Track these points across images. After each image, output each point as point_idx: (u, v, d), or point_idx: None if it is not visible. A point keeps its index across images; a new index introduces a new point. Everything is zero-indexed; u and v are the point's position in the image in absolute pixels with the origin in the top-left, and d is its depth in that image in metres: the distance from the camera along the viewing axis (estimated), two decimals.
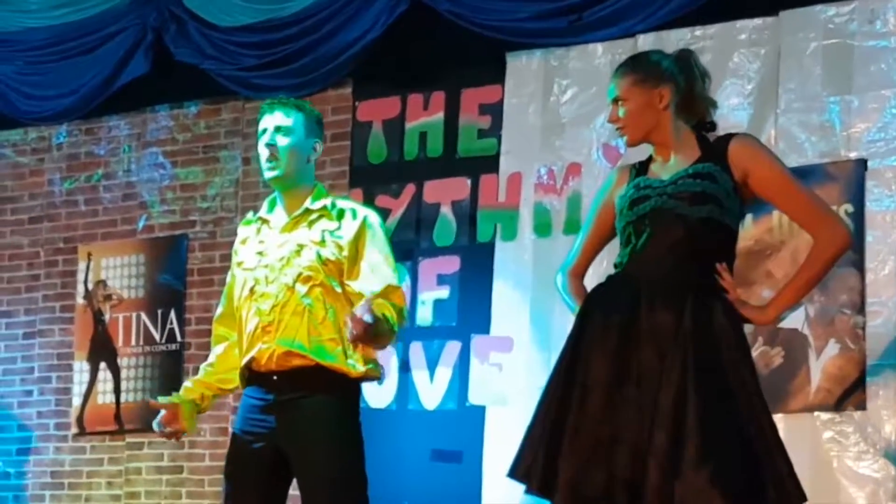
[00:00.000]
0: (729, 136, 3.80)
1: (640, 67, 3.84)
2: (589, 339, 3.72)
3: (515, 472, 3.75)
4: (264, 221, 4.32)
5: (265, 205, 4.37)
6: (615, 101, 3.85)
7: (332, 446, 4.09)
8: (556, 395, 3.71)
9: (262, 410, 4.15)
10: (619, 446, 3.57)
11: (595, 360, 3.67)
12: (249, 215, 4.45)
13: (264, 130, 4.32)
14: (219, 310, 4.43)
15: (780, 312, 3.81)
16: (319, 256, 4.16)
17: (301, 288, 4.14)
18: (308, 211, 4.25)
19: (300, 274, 4.16)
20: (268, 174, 4.26)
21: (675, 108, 3.81)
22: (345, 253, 4.18)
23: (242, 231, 4.40)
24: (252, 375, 4.21)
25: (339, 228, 4.21)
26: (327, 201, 4.27)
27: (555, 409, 3.68)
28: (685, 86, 3.82)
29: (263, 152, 4.29)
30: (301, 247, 4.19)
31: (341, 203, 4.31)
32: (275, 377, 4.13)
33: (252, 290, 4.21)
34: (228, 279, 4.42)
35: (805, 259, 3.75)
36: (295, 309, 4.13)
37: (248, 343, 4.20)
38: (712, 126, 3.89)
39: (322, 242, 4.19)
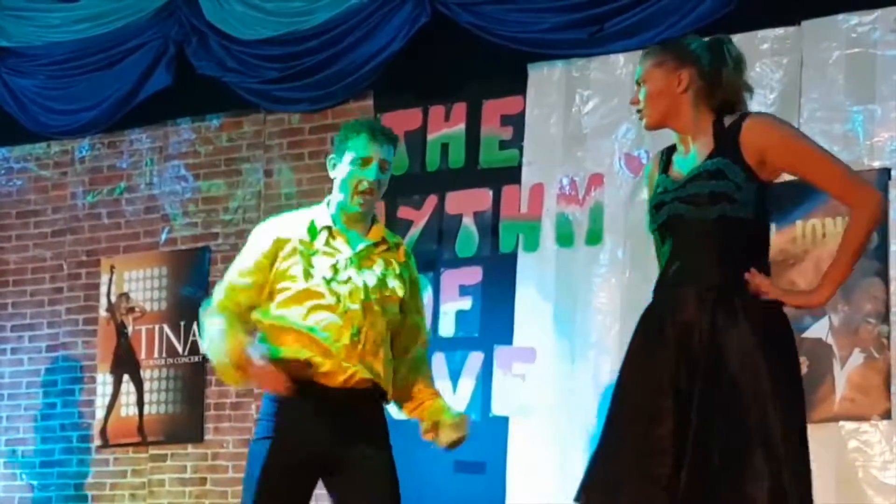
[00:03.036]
0: (742, 118, 3.70)
1: (664, 49, 3.79)
2: (630, 353, 3.70)
3: None
4: (331, 235, 4.21)
5: (325, 217, 4.22)
6: (637, 83, 3.82)
7: (385, 459, 4.16)
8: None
9: (319, 420, 4.10)
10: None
11: (634, 374, 3.65)
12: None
13: (366, 159, 4.17)
14: (246, 280, 4.18)
15: (834, 290, 3.68)
16: (396, 290, 4.20)
17: (383, 318, 4.17)
18: (385, 241, 4.26)
19: (384, 304, 4.17)
20: (360, 207, 4.17)
21: (696, 93, 3.71)
22: (407, 290, 4.23)
23: (299, 227, 4.22)
24: (317, 386, 4.10)
25: (405, 266, 4.27)
26: (387, 234, 4.32)
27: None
28: (710, 70, 3.73)
29: (362, 184, 4.15)
30: (385, 277, 4.19)
31: (393, 237, 4.37)
32: (341, 393, 4.11)
33: (338, 302, 4.13)
34: (282, 263, 4.18)
35: (845, 231, 3.62)
36: (376, 338, 4.14)
37: (321, 354, 4.08)
38: (741, 116, 3.78)
39: (400, 277, 4.22)
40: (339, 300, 4.09)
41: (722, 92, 3.74)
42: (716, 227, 3.61)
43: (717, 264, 3.60)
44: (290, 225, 4.23)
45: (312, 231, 4.18)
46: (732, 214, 3.61)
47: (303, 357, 4.06)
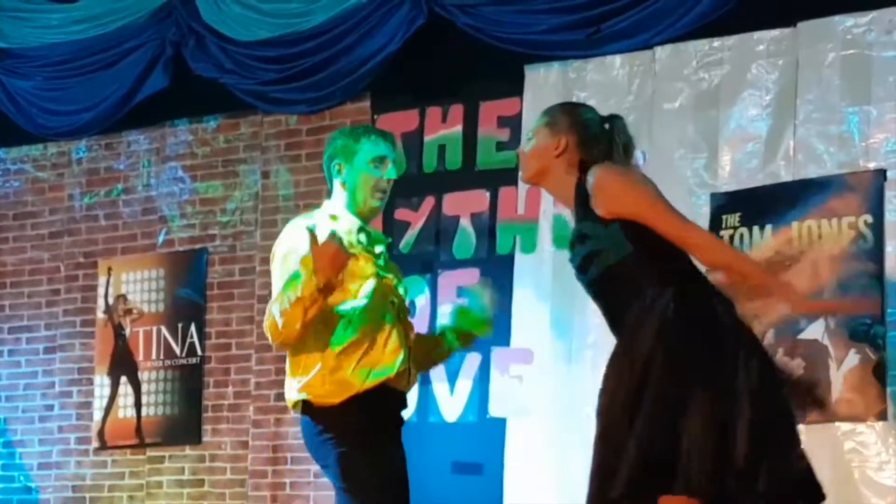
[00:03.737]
0: (587, 170, 3.76)
1: (557, 111, 3.90)
2: None
3: None
4: (364, 233, 4.24)
5: (352, 219, 4.22)
6: (529, 136, 3.93)
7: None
8: None
9: (391, 423, 4.19)
10: None
11: None
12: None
13: (382, 158, 4.24)
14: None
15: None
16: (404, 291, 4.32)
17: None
18: (389, 246, 4.37)
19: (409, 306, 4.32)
20: (381, 204, 4.25)
21: (569, 160, 3.81)
22: None
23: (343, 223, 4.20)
24: (384, 388, 4.13)
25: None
26: None
27: None
28: (588, 141, 3.82)
29: (381, 183, 4.22)
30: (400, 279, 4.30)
31: None
32: (400, 395, 4.20)
33: (392, 303, 4.20)
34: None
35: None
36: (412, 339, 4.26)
37: (387, 358, 4.12)
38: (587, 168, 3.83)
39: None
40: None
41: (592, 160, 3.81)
42: (603, 282, 3.73)
43: (613, 310, 3.74)
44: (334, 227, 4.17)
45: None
46: (610, 263, 3.70)
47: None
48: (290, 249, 4.13)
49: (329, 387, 4.05)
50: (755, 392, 3.54)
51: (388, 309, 4.15)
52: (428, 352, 4.38)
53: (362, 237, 4.18)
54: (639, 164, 5.98)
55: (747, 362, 3.57)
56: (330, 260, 3.92)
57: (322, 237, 3.95)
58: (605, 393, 3.67)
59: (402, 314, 4.23)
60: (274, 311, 4.00)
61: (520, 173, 3.95)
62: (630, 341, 3.64)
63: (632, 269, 3.68)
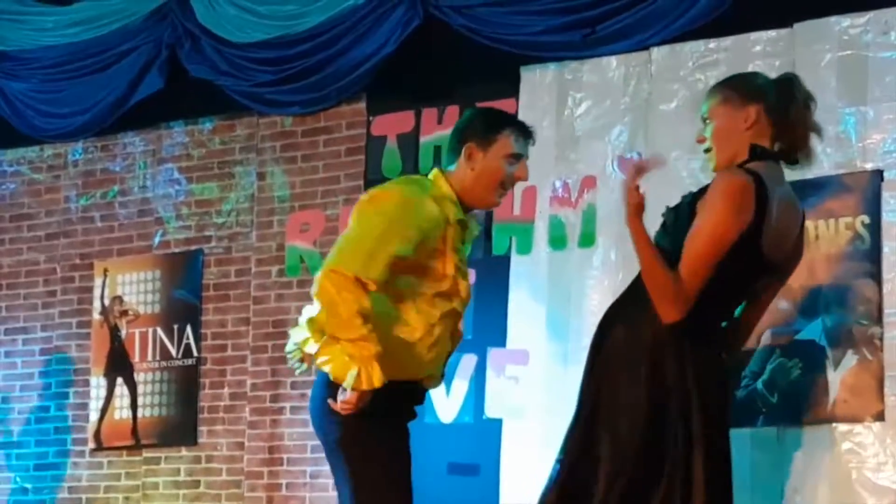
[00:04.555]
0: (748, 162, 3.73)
1: (729, 85, 3.80)
2: None
3: None
4: (461, 226, 4.10)
5: (455, 209, 4.07)
6: (703, 119, 3.81)
7: None
8: None
9: (405, 415, 4.14)
10: None
11: None
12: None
13: (518, 157, 4.09)
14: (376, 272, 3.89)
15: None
16: None
17: None
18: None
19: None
20: (497, 203, 4.16)
21: (758, 132, 3.72)
22: None
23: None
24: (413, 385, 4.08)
25: None
26: None
27: None
28: (777, 107, 3.73)
29: (507, 183, 4.10)
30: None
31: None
32: (423, 390, 4.16)
33: (455, 311, 4.11)
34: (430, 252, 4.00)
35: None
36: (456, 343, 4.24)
37: (428, 364, 4.06)
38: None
39: None
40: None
41: (787, 136, 3.72)
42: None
43: None
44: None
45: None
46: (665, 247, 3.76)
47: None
48: (384, 215, 3.90)
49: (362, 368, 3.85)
50: None
51: (448, 316, 4.04)
52: None
53: (454, 232, 4.01)
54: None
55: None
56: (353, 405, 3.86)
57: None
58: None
59: (458, 320, 4.13)
60: (333, 293, 3.80)
61: (710, 163, 3.79)
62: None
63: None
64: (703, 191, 3.77)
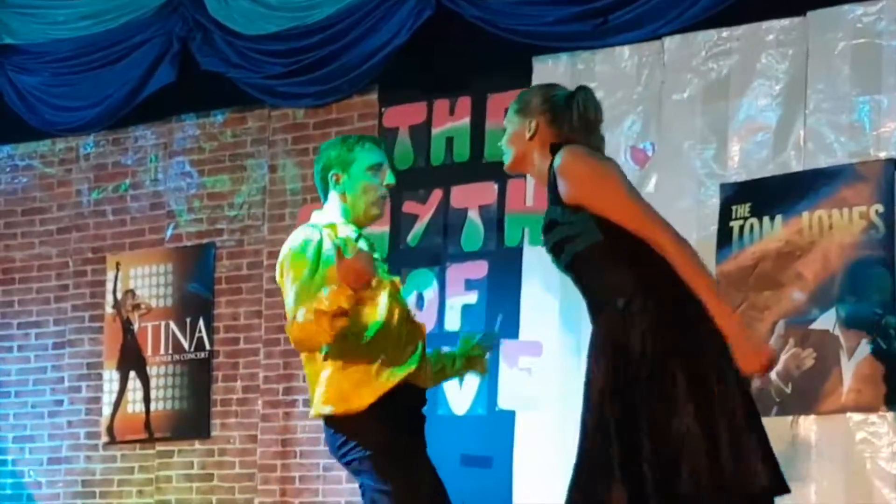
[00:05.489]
0: (555, 152, 3.70)
1: (523, 96, 3.87)
2: None
3: None
4: (364, 240, 4.28)
5: (350, 229, 4.24)
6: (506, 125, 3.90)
7: None
8: None
9: (413, 421, 4.21)
10: None
11: None
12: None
13: (381, 165, 4.27)
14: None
15: (751, 340, 3.59)
16: None
17: None
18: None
19: None
20: (379, 213, 4.31)
21: (542, 141, 3.76)
22: None
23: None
24: (404, 386, 4.13)
25: None
26: None
27: None
28: (557, 117, 3.76)
29: (381, 190, 4.26)
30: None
31: None
32: (419, 392, 4.22)
33: (400, 304, 4.23)
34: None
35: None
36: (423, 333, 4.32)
37: (406, 356, 4.16)
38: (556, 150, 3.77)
39: None
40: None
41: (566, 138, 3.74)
42: (574, 268, 3.70)
43: (591, 292, 3.71)
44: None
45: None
46: (579, 250, 3.65)
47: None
48: (299, 257, 4.08)
49: (352, 394, 4.03)
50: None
51: (399, 312, 4.15)
52: (436, 370, 4.39)
53: (363, 244, 4.19)
54: (649, 155, 5.99)
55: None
56: (356, 275, 3.92)
57: (352, 252, 3.99)
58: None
59: (409, 313, 4.23)
60: (298, 316, 3.99)
61: (504, 165, 3.93)
62: (605, 341, 3.62)
63: (602, 257, 3.62)
64: (554, 194, 3.72)
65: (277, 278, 4.20)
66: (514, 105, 3.87)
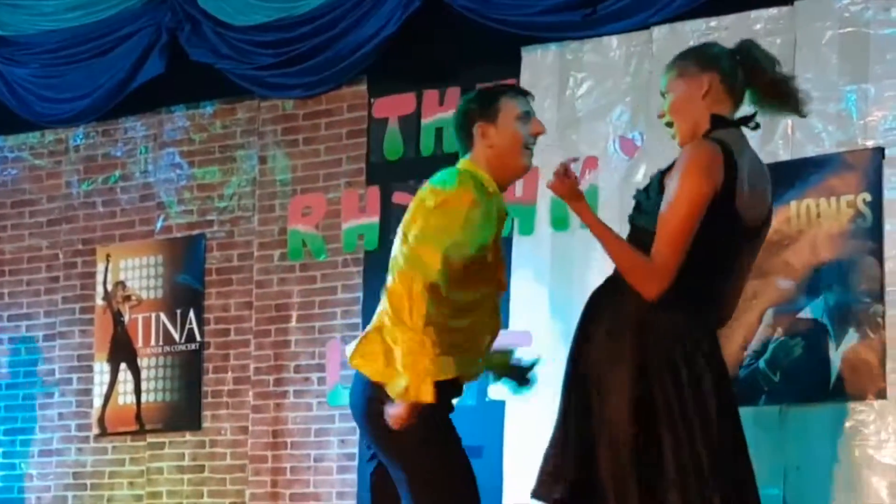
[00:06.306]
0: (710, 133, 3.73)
1: (684, 57, 3.80)
2: None
3: None
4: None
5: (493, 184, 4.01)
6: (662, 94, 3.83)
7: None
8: None
9: (449, 411, 4.09)
10: None
11: None
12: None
13: (527, 115, 4.05)
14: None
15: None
16: None
17: None
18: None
19: None
20: (529, 164, 4.09)
21: (714, 100, 3.73)
22: None
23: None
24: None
25: None
26: None
27: None
28: (731, 73, 3.73)
29: (530, 141, 4.05)
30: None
31: None
32: (461, 384, 4.08)
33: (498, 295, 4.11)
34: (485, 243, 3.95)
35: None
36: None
37: (479, 352, 4.05)
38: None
39: None
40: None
41: (769, 96, 3.73)
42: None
43: None
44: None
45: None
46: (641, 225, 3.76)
47: None
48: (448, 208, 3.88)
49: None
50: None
51: (493, 304, 4.03)
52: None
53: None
54: (638, 146, 5.99)
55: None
56: (397, 421, 3.78)
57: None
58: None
59: (495, 306, 4.09)
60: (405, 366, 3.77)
61: (674, 139, 3.81)
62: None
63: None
64: (670, 167, 3.76)
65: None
66: (670, 72, 3.78)
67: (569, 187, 3.73)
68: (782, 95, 3.80)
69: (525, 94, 4.09)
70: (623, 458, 3.62)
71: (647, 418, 3.59)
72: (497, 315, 4.15)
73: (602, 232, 3.74)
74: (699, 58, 3.78)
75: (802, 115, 3.87)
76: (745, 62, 3.78)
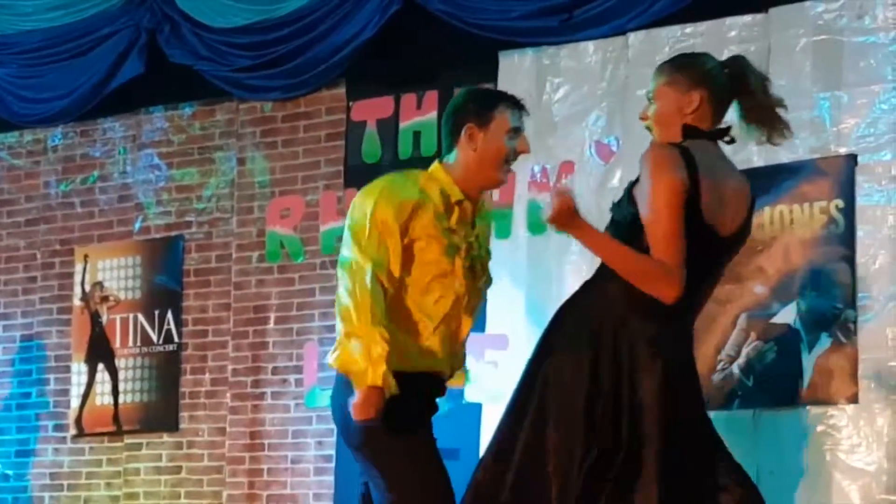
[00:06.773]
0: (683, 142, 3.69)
1: (677, 67, 3.73)
2: None
3: None
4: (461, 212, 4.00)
5: (456, 190, 3.97)
6: (648, 98, 3.75)
7: None
8: None
9: (426, 408, 4.07)
10: None
11: None
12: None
13: (517, 132, 3.99)
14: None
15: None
16: None
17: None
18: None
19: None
20: (504, 181, 4.06)
21: (700, 117, 3.68)
22: None
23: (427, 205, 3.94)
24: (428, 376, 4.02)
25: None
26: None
27: None
28: (722, 93, 3.68)
29: (511, 158, 3.99)
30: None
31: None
32: (440, 380, 4.09)
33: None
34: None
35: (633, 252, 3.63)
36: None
37: (436, 348, 4.02)
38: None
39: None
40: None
41: (756, 117, 3.70)
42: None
43: None
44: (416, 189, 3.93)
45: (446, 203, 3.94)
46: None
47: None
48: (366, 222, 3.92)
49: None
50: None
51: (444, 300, 3.98)
52: None
53: (435, 215, 3.92)
54: (614, 151, 6.03)
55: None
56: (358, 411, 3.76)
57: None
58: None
59: (461, 304, 4.05)
60: (354, 349, 3.75)
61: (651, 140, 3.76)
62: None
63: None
64: (638, 179, 3.76)
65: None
66: (659, 77, 3.68)
67: (566, 216, 3.65)
68: (766, 122, 3.74)
69: (521, 108, 4.00)
70: (572, 457, 3.63)
71: (599, 425, 3.60)
72: (464, 313, 4.10)
73: (607, 245, 3.67)
74: (693, 71, 3.68)
75: (775, 144, 3.83)
76: (735, 81, 3.72)
